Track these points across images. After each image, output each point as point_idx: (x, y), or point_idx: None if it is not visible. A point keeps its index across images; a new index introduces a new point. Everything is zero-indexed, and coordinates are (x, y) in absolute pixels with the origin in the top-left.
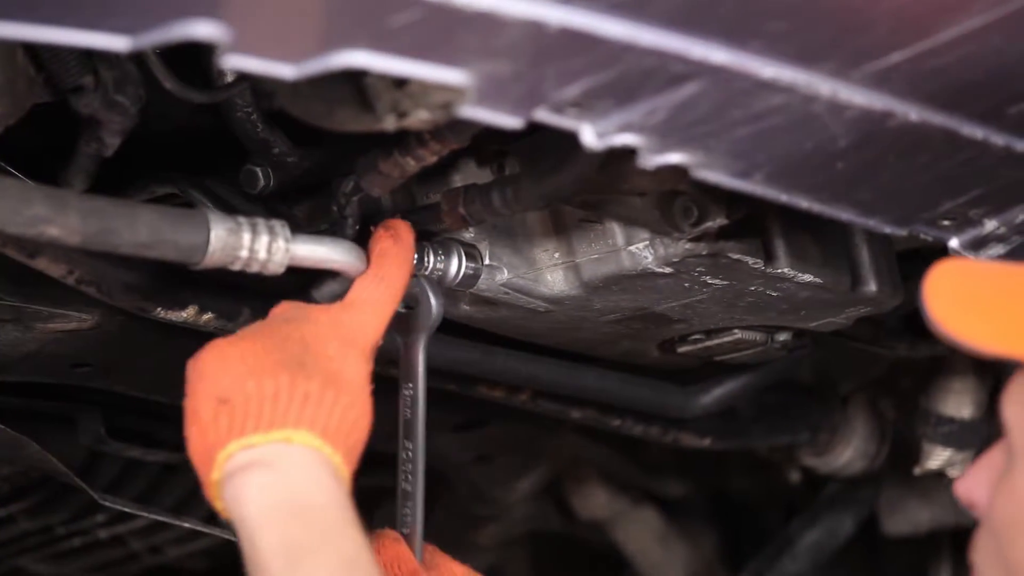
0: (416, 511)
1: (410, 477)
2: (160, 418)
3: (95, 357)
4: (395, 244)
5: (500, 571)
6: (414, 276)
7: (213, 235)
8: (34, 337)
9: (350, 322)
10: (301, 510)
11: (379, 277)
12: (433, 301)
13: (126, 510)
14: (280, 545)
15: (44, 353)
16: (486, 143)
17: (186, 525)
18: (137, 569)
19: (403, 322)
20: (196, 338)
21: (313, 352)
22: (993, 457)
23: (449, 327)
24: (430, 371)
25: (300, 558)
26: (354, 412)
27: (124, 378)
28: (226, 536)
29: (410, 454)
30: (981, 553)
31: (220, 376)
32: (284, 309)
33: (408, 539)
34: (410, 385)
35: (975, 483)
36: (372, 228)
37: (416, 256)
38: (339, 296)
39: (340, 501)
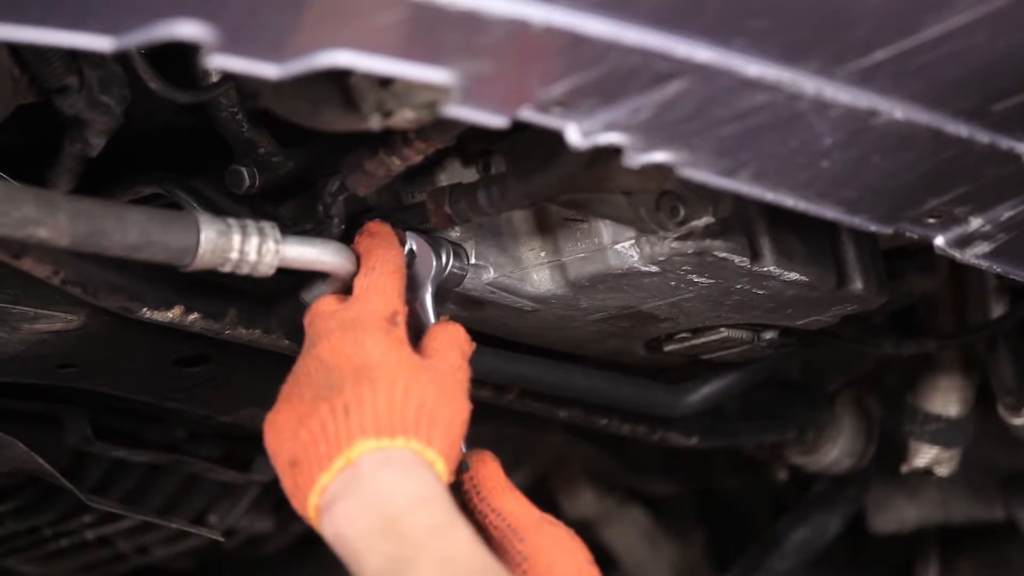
0: None
1: None
2: (146, 418)
3: (81, 358)
4: (371, 239)
5: None
6: (408, 233)
7: (203, 237)
8: (20, 338)
9: (351, 313)
10: (387, 526)
11: (370, 267)
12: (431, 254)
13: (113, 511)
14: (381, 568)
15: (30, 354)
16: (472, 142)
17: (173, 526)
18: (124, 570)
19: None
20: (182, 338)
21: (334, 365)
22: None
23: None
24: None
25: (400, 574)
26: (399, 388)
27: (110, 378)
28: (213, 536)
29: None
30: None
31: (280, 445)
32: (307, 328)
33: None
34: None
35: None
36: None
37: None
38: None
39: (422, 495)
